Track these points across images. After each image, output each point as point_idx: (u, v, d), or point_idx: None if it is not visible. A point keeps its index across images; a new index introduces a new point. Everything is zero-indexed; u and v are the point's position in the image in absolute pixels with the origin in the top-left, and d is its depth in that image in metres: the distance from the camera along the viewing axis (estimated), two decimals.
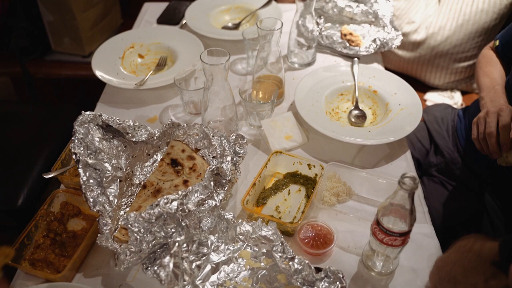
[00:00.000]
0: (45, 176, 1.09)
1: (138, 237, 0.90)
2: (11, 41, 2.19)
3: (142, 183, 1.12)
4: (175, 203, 0.91)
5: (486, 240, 0.79)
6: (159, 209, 0.89)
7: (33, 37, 2.23)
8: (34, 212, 1.03)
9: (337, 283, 0.86)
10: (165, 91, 1.42)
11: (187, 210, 0.92)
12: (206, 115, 1.26)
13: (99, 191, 0.97)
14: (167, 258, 0.86)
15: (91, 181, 0.96)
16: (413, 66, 1.98)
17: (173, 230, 0.91)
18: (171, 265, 0.87)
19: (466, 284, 0.80)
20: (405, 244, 0.87)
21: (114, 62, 1.48)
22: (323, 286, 0.86)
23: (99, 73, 1.42)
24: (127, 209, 1.07)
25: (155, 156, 1.19)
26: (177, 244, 0.88)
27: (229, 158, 1.06)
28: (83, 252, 0.97)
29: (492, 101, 1.18)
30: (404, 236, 0.85)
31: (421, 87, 2.02)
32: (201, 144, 1.19)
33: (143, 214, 0.89)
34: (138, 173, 1.14)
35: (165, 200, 0.90)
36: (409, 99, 1.30)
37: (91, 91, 1.67)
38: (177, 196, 0.92)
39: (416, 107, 1.26)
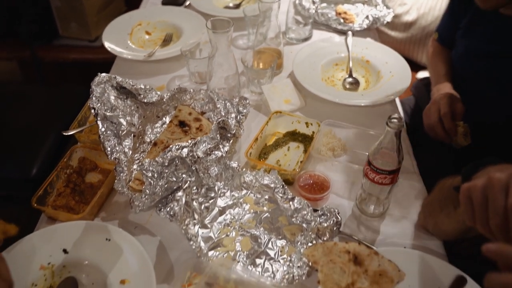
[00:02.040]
0: (64, 134, 1.18)
1: (152, 181, 0.99)
2: (20, 27, 2.28)
3: (153, 141, 1.21)
4: (185, 150, 1.00)
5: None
6: (171, 154, 0.98)
7: (41, 22, 2.32)
8: None
9: (333, 218, 0.96)
10: (171, 63, 1.51)
11: (196, 157, 1.02)
12: (210, 83, 1.36)
13: (116, 141, 1.06)
14: (180, 192, 0.96)
15: (108, 132, 1.06)
16: (405, 46, 2.08)
17: (184, 175, 1.01)
18: (183, 199, 0.96)
19: (442, 214, 0.90)
20: (394, 183, 0.97)
21: (123, 38, 1.58)
22: (320, 222, 0.96)
23: (110, 46, 1.51)
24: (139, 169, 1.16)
25: (164, 118, 1.29)
26: (188, 182, 0.97)
27: (233, 115, 1.16)
28: (100, 198, 1.06)
29: (438, 91, 1.29)
30: (393, 174, 0.94)
31: (414, 66, 2.11)
32: (207, 107, 1.29)
33: (157, 159, 0.98)
34: (149, 133, 1.23)
35: (177, 147, 1.00)
36: (399, 67, 1.40)
37: (97, 74, 1.77)
38: (187, 144, 1.02)
39: (405, 72, 1.37)
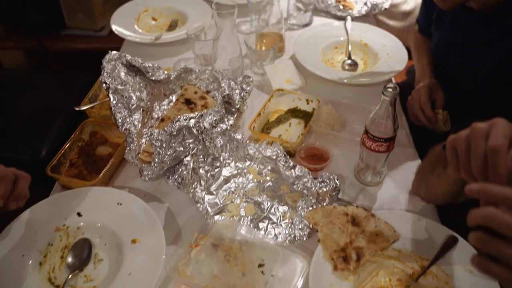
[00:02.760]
0: (76, 109, 1.24)
1: (161, 151, 1.05)
2: (27, 17, 2.34)
3: (160, 117, 1.27)
4: (192, 120, 1.06)
5: None
6: (179, 124, 1.04)
7: (48, 13, 2.37)
8: None
9: (332, 184, 1.01)
10: (177, 47, 1.57)
11: (203, 127, 1.07)
12: (215, 65, 1.41)
13: (126, 113, 1.12)
14: (188, 158, 1.02)
15: (119, 104, 1.11)
16: (403, 35, 2.13)
17: (191, 145, 1.07)
18: (191, 164, 1.02)
19: (433, 176, 0.95)
20: (390, 151, 1.02)
21: (130, 23, 1.64)
22: (320, 187, 1.01)
23: (117, 29, 1.57)
24: (148, 139, 1.22)
25: (170, 97, 1.34)
26: (195, 150, 1.03)
27: (237, 92, 1.22)
28: (111, 167, 1.12)
29: (419, 81, 1.35)
30: (389, 142, 1.00)
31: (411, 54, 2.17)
32: (211, 87, 1.34)
33: (165, 128, 1.04)
34: (156, 109, 1.29)
35: (184, 117, 1.05)
36: (396, 49, 1.46)
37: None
38: (194, 115, 1.07)
39: (402, 53, 1.43)
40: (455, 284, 0.88)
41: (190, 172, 1.01)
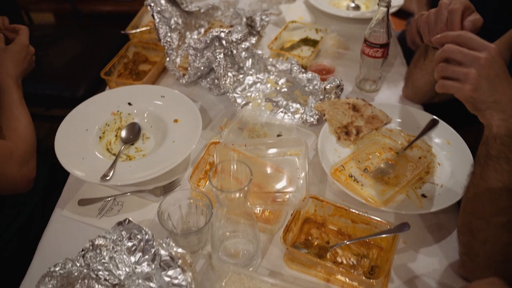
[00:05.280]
0: (122, 32, 1.47)
1: (196, 58, 1.28)
2: None
3: None
4: (223, 33, 1.28)
5: None
6: (212, 35, 1.26)
7: None
8: None
9: (336, 82, 1.23)
10: None
11: (231, 40, 1.29)
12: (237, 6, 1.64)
13: (167, 30, 1.34)
14: (218, 62, 1.23)
15: (161, 22, 1.34)
16: None
17: (221, 54, 1.29)
18: (221, 68, 1.24)
19: (416, 70, 1.18)
20: (384, 57, 1.24)
21: None
22: (327, 85, 1.23)
23: None
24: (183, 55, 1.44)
25: (199, 29, 1.57)
26: (224, 56, 1.25)
27: (257, 19, 1.44)
28: (153, 76, 1.34)
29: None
30: (384, 48, 1.22)
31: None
32: (235, 22, 1.57)
33: (200, 38, 1.27)
34: (188, 37, 1.51)
35: (216, 30, 1.28)
36: None
37: None
38: (224, 30, 1.29)
39: None
40: (434, 152, 1.09)
41: (220, 74, 1.23)
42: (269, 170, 1.00)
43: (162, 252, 0.85)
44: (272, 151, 1.00)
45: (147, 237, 0.88)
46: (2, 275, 1.14)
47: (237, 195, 0.77)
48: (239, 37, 1.32)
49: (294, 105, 1.25)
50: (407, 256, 0.92)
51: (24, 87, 1.18)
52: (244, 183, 0.78)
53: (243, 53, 1.33)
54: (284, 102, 1.26)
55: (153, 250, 0.86)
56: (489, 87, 0.74)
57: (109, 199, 1.03)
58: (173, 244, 0.85)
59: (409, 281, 0.88)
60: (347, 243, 0.92)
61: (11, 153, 1.03)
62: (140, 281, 0.86)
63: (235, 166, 0.84)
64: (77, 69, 1.97)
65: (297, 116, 1.22)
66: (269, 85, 1.33)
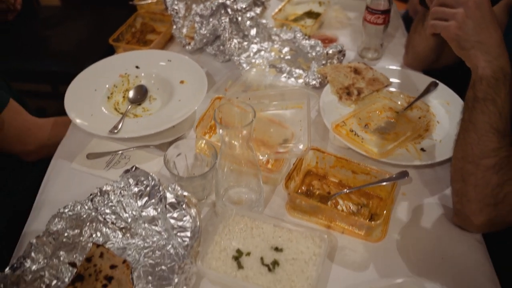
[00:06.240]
0: (130, 3, 1.50)
1: (202, 25, 1.31)
2: None
3: None
4: (228, 1, 1.31)
5: None
6: (217, 2, 1.30)
7: None
8: None
9: (338, 48, 1.26)
10: None
11: (236, 8, 1.33)
12: None
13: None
14: (222, 28, 1.27)
15: None
16: None
17: (226, 22, 1.32)
18: (226, 34, 1.27)
19: (415, 36, 1.20)
20: (386, 24, 1.27)
21: None
22: (330, 51, 1.26)
23: None
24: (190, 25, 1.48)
25: (205, 3, 1.60)
26: (229, 23, 1.28)
27: None
28: (160, 43, 1.38)
29: None
30: (385, 14, 1.25)
31: None
32: None
33: (206, 5, 1.30)
34: (194, 9, 1.54)
35: None
36: None
37: None
38: None
39: None
40: (434, 112, 1.12)
41: (225, 40, 1.27)
42: (272, 126, 1.03)
43: (168, 195, 0.88)
44: (275, 104, 1.03)
45: (153, 183, 0.91)
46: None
47: (242, 132, 0.79)
48: (244, 6, 1.35)
49: (297, 70, 1.28)
50: (406, 207, 0.95)
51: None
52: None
53: (248, 22, 1.36)
54: (288, 68, 1.28)
55: (159, 194, 0.89)
56: (475, 26, 0.77)
57: (117, 153, 1.06)
58: (179, 188, 0.88)
59: (407, 229, 0.91)
60: (348, 191, 0.94)
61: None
62: (146, 225, 0.89)
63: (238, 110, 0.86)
64: (84, 47, 2.00)
65: (300, 80, 1.25)
66: (273, 53, 1.36)
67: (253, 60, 1.31)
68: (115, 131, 1.04)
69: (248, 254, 0.81)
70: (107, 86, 1.20)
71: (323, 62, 1.25)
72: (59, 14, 2.26)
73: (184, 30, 1.42)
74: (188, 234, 0.84)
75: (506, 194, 0.81)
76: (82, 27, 2.13)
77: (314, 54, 1.29)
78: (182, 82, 1.19)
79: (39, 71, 2.00)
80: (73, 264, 0.85)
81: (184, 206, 0.86)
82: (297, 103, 1.00)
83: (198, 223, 0.83)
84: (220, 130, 0.80)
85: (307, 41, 1.30)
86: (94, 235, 0.88)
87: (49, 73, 1.97)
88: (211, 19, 1.31)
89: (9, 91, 1.31)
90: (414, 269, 0.84)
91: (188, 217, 0.85)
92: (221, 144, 0.83)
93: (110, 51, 1.42)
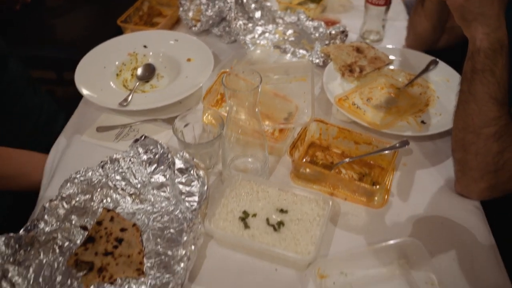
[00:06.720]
0: None
1: (208, 7, 1.34)
2: None
3: None
4: None
5: None
6: None
7: None
8: None
9: (341, 28, 1.29)
10: None
11: None
12: None
13: None
14: (229, 10, 1.30)
15: None
16: None
17: (231, 4, 1.35)
18: (232, 15, 1.30)
19: (415, 17, 1.24)
20: (387, 5, 1.30)
21: None
22: (333, 31, 1.29)
23: None
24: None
25: None
26: (235, 7, 1.31)
27: None
28: (167, 25, 1.41)
29: None
30: None
31: None
32: None
33: None
34: None
35: None
36: None
37: None
38: None
39: None
40: (434, 88, 1.15)
41: (231, 17, 1.30)
42: (276, 100, 1.06)
43: (177, 161, 0.91)
44: (279, 78, 1.06)
45: (162, 150, 0.94)
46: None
47: (249, 98, 0.82)
48: None
49: (301, 51, 1.31)
50: (407, 176, 0.98)
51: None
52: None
53: (253, 5, 1.39)
54: (292, 49, 1.32)
55: (168, 161, 0.92)
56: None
57: (126, 126, 1.10)
58: (187, 155, 0.91)
59: (408, 196, 0.94)
60: (351, 160, 0.97)
61: None
62: (154, 191, 0.92)
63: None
64: (90, 35, 2.04)
65: (304, 59, 1.28)
66: (277, 35, 1.39)
67: (258, 41, 1.34)
68: (125, 103, 1.07)
69: (254, 215, 0.84)
70: (116, 63, 1.23)
71: (326, 42, 1.28)
72: (65, 4, 2.29)
73: (191, 14, 1.45)
74: (196, 198, 0.87)
75: (506, 161, 0.84)
76: (89, 14, 2.17)
77: (317, 35, 1.32)
78: (189, 60, 1.22)
79: (43, 57, 2.04)
80: (84, 228, 0.88)
81: (192, 171, 0.89)
82: (301, 76, 1.03)
83: (206, 186, 0.86)
84: (227, 96, 0.83)
85: (310, 22, 1.33)
86: (104, 201, 0.91)
87: (56, 60, 2.01)
88: (216, 1, 1.35)
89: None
90: (414, 233, 0.87)
91: (196, 182, 0.88)
92: (228, 114, 0.86)
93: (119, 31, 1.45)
